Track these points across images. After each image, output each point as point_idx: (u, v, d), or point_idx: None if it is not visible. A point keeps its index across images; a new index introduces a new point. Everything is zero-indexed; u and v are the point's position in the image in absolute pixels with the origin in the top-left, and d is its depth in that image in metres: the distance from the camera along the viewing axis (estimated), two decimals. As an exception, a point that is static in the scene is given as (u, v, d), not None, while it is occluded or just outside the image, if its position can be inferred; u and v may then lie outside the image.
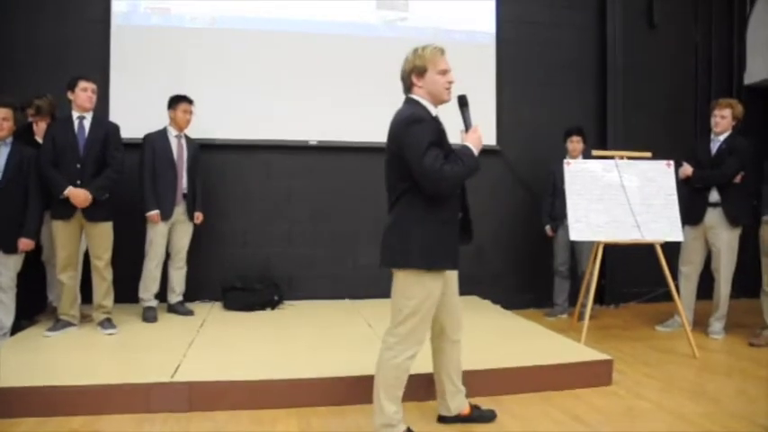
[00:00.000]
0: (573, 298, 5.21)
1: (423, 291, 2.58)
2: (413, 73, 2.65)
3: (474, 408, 2.99)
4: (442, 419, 2.97)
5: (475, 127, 2.66)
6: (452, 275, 2.80)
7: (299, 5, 5.37)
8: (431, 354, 2.92)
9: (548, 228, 5.36)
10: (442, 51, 2.65)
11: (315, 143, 5.42)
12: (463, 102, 2.69)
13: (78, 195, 4.00)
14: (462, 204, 2.73)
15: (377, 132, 5.34)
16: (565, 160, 4.56)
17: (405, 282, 2.60)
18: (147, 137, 4.65)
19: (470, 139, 2.62)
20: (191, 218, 4.77)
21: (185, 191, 4.72)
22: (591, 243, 4.62)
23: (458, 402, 2.95)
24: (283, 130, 5.36)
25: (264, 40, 5.33)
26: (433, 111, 2.66)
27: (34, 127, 4.43)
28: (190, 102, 4.74)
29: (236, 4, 5.28)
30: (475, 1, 5.70)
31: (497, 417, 3.01)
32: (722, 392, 3.48)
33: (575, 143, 5.23)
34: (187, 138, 4.80)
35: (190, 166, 4.75)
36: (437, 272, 2.59)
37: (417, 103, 2.65)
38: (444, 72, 2.62)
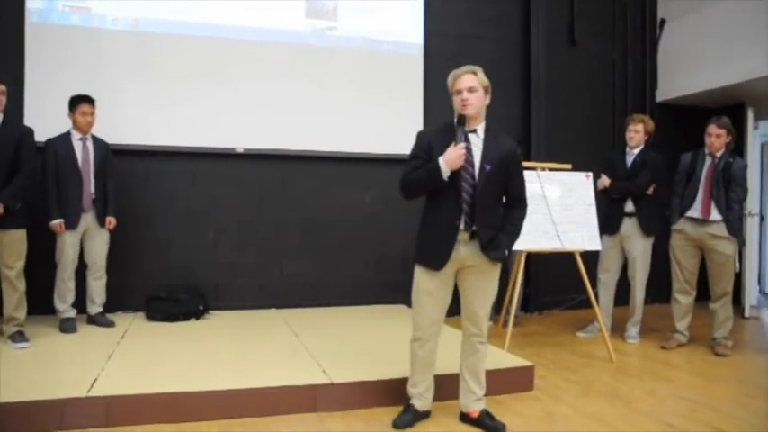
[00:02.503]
0: (501, 306, 5.31)
1: (415, 283, 2.98)
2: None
3: (483, 413, 3.05)
4: (461, 416, 3.14)
5: (453, 146, 2.79)
6: (468, 278, 2.95)
7: (227, 11, 5.28)
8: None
9: None
10: (456, 75, 2.92)
11: (241, 151, 5.34)
12: (458, 121, 2.87)
13: None
14: (471, 215, 2.85)
15: (304, 140, 5.42)
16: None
17: None
18: (49, 142, 4.42)
19: (445, 153, 2.79)
20: (103, 224, 4.56)
21: (94, 196, 4.51)
22: (518, 252, 4.74)
23: (467, 401, 3.09)
24: (209, 137, 5.25)
25: (190, 45, 5.21)
26: (467, 126, 2.89)
27: None
28: (90, 102, 4.49)
29: (160, 7, 5.13)
30: (403, 13, 5.77)
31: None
32: (634, 394, 3.65)
33: None
34: (95, 140, 4.58)
35: (98, 170, 4.53)
36: (424, 267, 2.91)
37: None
38: (458, 92, 2.88)
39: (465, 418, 3.10)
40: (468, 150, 2.83)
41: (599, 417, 3.24)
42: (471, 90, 2.84)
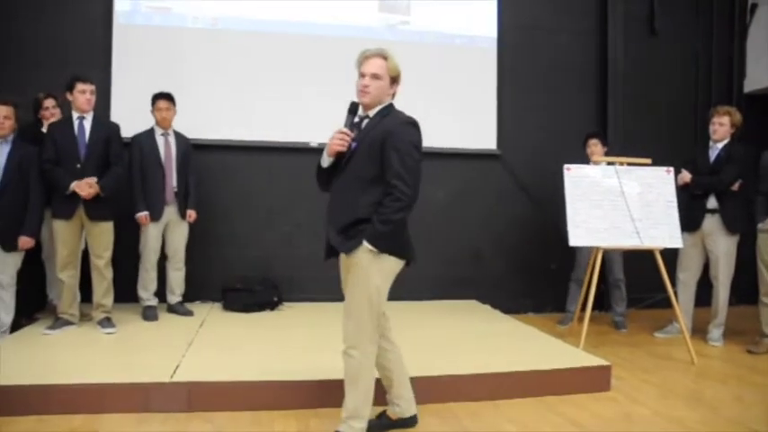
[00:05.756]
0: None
1: None
2: None
3: None
4: None
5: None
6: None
7: (302, 7, 5.39)
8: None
9: None
10: (364, 55, 2.67)
11: (316, 145, 5.40)
12: (350, 108, 2.71)
13: (81, 187, 3.98)
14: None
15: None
16: (565, 165, 4.55)
17: None
18: (135, 137, 4.64)
19: None
20: (184, 217, 4.74)
21: (176, 190, 4.68)
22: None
23: None
24: (284, 131, 5.37)
25: (266, 41, 5.34)
26: (362, 111, 2.72)
27: (44, 122, 4.45)
28: (166, 98, 4.66)
29: (237, 5, 5.29)
30: (477, 6, 5.72)
31: (496, 420, 3.01)
32: (719, 399, 3.49)
33: (591, 146, 5.17)
34: (177, 135, 4.77)
35: (180, 165, 4.71)
36: None
37: None
38: (362, 75, 2.65)
39: None
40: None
41: (681, 420, 3.12)
42: (375, 77, 2.60)
